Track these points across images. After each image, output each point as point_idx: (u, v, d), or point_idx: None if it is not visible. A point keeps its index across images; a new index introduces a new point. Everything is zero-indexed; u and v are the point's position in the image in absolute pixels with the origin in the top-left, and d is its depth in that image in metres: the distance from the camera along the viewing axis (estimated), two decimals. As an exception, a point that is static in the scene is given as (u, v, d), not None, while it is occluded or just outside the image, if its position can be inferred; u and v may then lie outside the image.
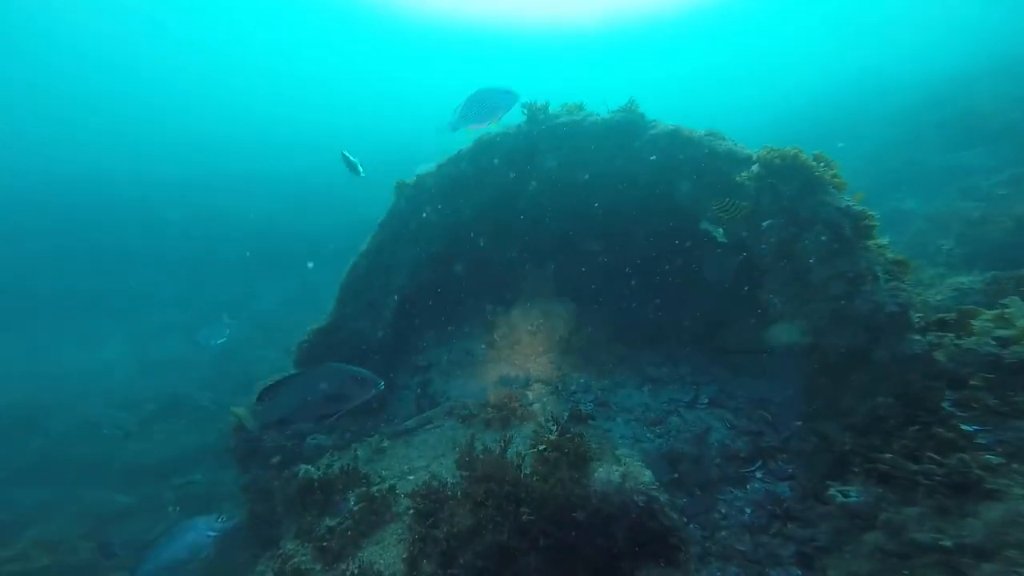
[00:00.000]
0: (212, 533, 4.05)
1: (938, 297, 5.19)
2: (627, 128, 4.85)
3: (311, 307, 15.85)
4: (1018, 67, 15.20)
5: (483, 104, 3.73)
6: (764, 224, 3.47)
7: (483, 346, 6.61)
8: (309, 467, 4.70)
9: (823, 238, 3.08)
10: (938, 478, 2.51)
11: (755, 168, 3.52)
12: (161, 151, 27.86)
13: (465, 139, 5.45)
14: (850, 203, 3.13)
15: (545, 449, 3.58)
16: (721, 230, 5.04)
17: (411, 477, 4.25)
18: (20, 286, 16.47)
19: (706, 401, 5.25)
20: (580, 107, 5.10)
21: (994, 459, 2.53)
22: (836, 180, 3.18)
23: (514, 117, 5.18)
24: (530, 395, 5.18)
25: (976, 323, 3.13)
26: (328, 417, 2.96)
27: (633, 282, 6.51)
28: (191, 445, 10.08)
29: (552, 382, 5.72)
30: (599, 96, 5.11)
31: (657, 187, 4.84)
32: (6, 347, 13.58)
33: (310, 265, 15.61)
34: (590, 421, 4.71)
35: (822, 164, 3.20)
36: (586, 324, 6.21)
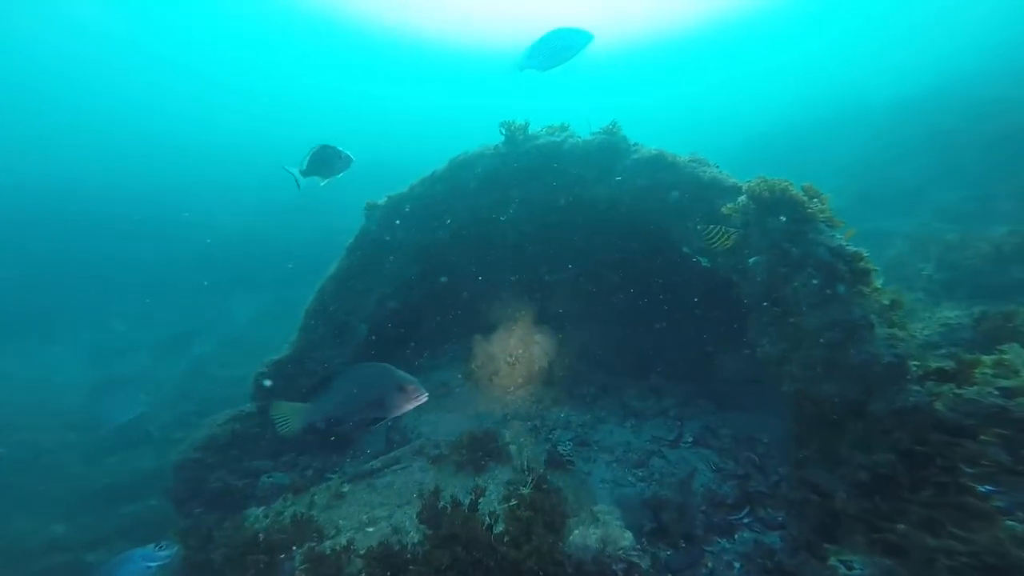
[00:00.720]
0: (152, 564, 3.76)
1: (925, 332, 5.05)
2: (609, 151, 4.63)
3: (284, 323, 15.27)
4: (988, 79, 15.73)
5: (554, 45, 3.66)
6: (751, 260, 3.25)
7: (459, 377, 6.25)
8: (258, 512, 4.24)
9: (815, 282, 2.86)
10: (964, 559, 2.25)
11: (742, 200, 3.31)
12: (129, 162, 26.98)
13: (441, 156, 5.15)
14: (843, 243, 2.92)
15: (518, 507, 3.24)
16: (704, 258, 4.84)
17: (370, 529, 3.84)
18: None
19: (690, 439, 4.98)
20: (563, 128, 4.85)
21: (1018, 527, 2.29)
22: (828, 216, 2.98)
23: (492, 137, 4.92)
24: (507, 434, 4.83)
25: (977, 372, 2.93)
26: (373, 423, 2.74)
27: (617, 309, 6.25)
28: (148, 469, 9.39)
29: (531, 417, 5.39)
30: (581, 118, 4.90)
31: (639, 213, 4.62)
32: None
33: (290, 266, 14.98)
34: (569, 466, 4.38)
35: (813, 199, 3.00)
36: (568, 353, 5.91)
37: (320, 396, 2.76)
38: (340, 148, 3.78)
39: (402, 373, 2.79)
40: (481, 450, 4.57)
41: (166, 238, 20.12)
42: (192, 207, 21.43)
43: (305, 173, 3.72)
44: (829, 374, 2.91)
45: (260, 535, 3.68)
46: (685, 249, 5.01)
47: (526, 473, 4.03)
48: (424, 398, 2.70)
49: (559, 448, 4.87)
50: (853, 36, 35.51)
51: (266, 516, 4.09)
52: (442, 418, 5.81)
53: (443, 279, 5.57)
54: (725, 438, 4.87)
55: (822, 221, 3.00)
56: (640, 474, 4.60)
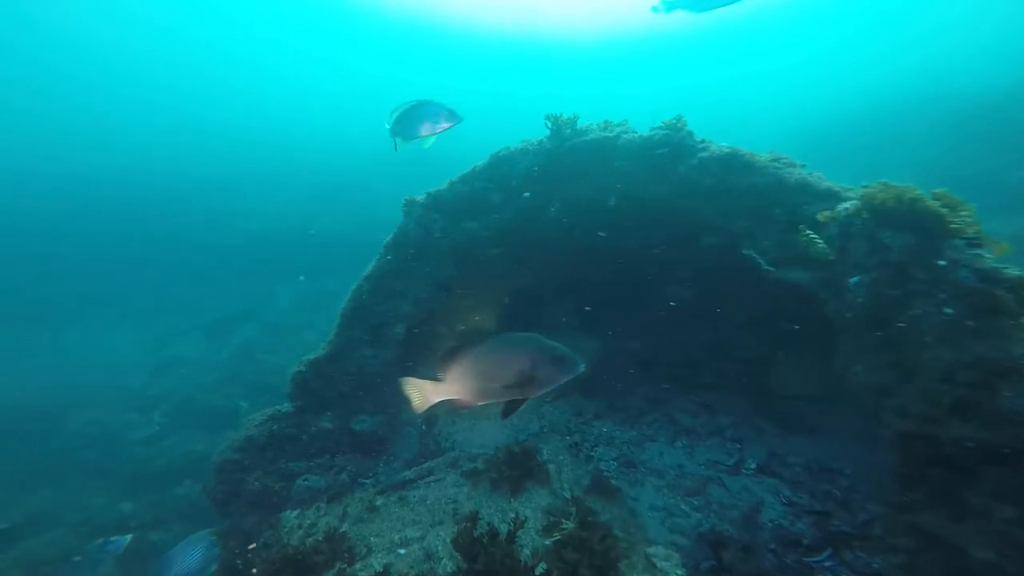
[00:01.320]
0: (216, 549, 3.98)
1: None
2: (671, 147, 4.08)
3: (322, 311, 15.64)
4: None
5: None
6: (852, 281, 2.69)
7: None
8: (292, 521, 4.16)
9: (949, 311, 2.29)
10: None
11: (847, 207, 2.74)
12: (179, 151, 28.32)
13: (481, 153, 4.79)
14: (996, 265, 2.31)
15: (564, 546, 2.90)
16: (771, 266, 4.24)
17: (402, 551, 3.64)
18: (38, 285, 16.79)
19: (753, 466, 4.45)
20: (615, 123, 4.34)
21: None
22: (976, 231, 2.35)
23: (537, 131, 4.49)
24: (544, 450, 4.49)
25: None
26: (515, 405, 2.45)
27: (668, 316, 5.73)
28: (201, 452, 9.83)
29: (570, 431, 5.03)
30: (612, 110, 4.37)
31: (703, 215, 4.07)
32: (24, 345, 13.80)
33: (301, 278, 15.32)
34: (615, 493, 4.00)
35: (955, 211, 2.39)
36: (611, 364, 5.48)
37: (454, 371, 2.47)
38: (441, 104, 3.41)
39: (553, 342, 2.44)
40: (518, 468, 4.27)
41: (214, 226, 21.08)
42: (238, 196, 22.33)
43: (396, 133, 3.40)
44: (964, 416, 2.35)
45: (293, 551, 3.56)
46: (749, 253, 4.43)
47: (568, 502, 3.69)
48: (581, 368, 2.34)
49: (602, 468, 4.50)
50: (913, 20, 31.62)
51: (300, 527, 3.99)
52: (476, 426, 5.57)
53: (480, 280, 5.26)
54: (796, 467, 4.31)
55: (963, 238, 2.39)
56: (696, 503, 4.16)
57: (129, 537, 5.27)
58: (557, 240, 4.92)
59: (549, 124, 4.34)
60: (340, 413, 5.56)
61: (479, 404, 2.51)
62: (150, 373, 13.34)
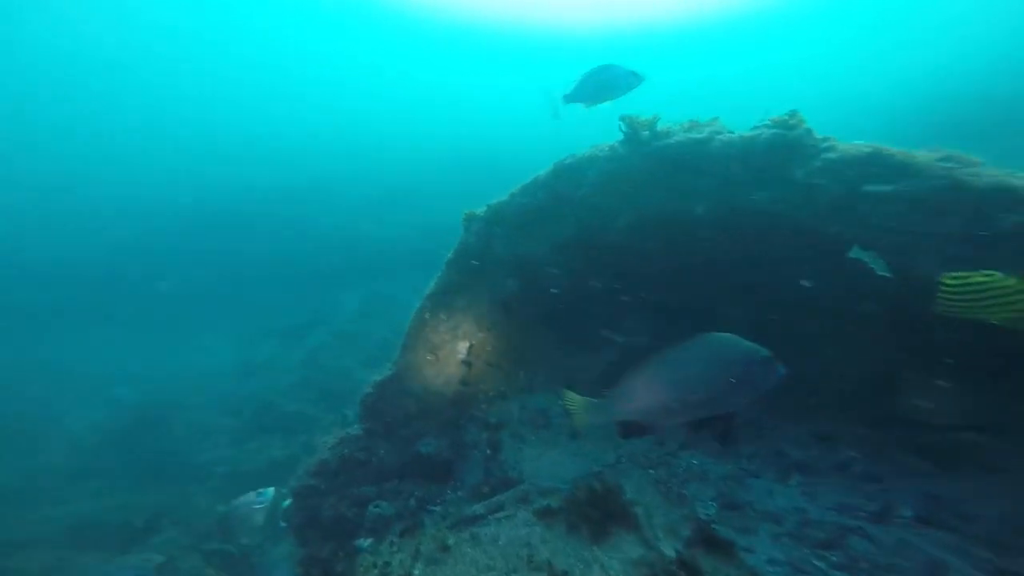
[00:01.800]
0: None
1: None
2: (783, 150, 3.34)
3: (384, 318, 16.03)
4: None
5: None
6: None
7: (559, 404, 5.55)
8: (368, 557, 4.03)
9: None
10: None
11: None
12: (260, 162, 30.32)
13: (546, 156, 4.33)
14: None
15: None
16: (882, 261, 3.38)
17: (480, 604, 3.34)
18: (139, 288, 18.57)
19: (910, 513, 3.62)
20: (703, 122, 3.65)
21: None
22: None
23: (609, 135, 3.94)
24: (627, 488, 4.00)
25: None
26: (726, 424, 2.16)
27: (767, 333, 4.94)
28: (279, 458, 10.36)
29: (653, 463, 4.48)
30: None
31: (826, 228, 3.30)
32: (129, 347, 15.39)
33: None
34: (728, 548, 3.42)
35: None
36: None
37: (635, 383, 2.09)
38: (624, 66, 3.22)
39: (748, 342, 2.07)
40: (599, 508, 3.82)
41: (288, 232, 22.40)
42: (308, 203, 23.56)
43: (572, 99, 3.28)
44: None
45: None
46: (853, 251, 3.58)
47: (665, 557, 3.19)
48: (781, 373, 1.97)
49: (698, 509, 3.92)
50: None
51: (375, 566, 3.84)
52: (543, 454, 5.18)
53: (543, 297, 4.83)
54: (983, 519, 3.41)
55: None
56: (834, 559, 3.43)
57: (272, 490, 5.70)
58: (629, 254, 4.35)
59: (623, 127, 3.76)
60: (406, 435, 5.44)
61: (669, 424, 2.07)
62: (235, 376, 14.42)
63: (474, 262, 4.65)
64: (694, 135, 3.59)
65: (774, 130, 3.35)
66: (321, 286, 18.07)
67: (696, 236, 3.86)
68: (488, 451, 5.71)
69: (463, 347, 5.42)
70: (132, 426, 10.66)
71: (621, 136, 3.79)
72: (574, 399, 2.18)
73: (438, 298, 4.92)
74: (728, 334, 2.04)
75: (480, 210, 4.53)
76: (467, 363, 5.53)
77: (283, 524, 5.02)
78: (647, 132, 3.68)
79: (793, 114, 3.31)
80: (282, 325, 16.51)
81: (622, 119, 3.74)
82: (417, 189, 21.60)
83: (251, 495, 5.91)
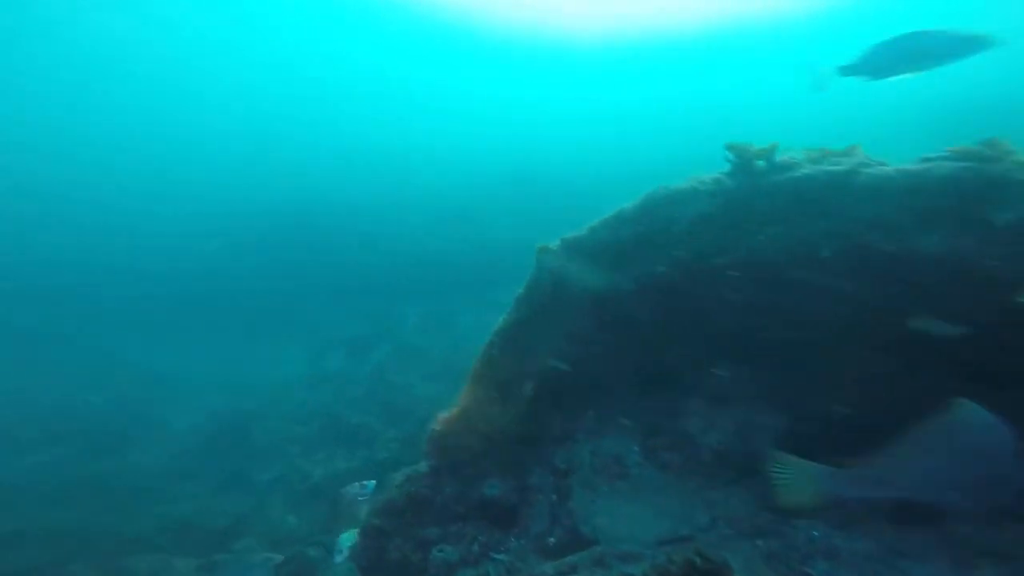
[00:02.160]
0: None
1: None
2: (978, 188, 2.67)
3: (444, 334, 16.23)
4: None
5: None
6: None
7: (636, 450, 5.07)
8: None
9: None
10: None
11: None
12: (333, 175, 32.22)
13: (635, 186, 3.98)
14: None
15: None
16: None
17: None
18: (219, 297, 20.19)
19: None
20: (837, 151, 3.10)
21: None
22: None
23: (712, 164, 3.52)
24: (734, 563, 3.46)
25: None
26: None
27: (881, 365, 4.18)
28: (343, 470, 10.66)
29: (760, 531, 3.89)
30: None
31: None
32: (216, 354, 16.78)
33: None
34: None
35: None
36: (807, 439, 4.17)
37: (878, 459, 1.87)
38: (947, 30, 2.82)
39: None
40: (693, 586, 3.32)
41: (351, 247, 23.55)
42: (377, 216, 24.68)
43: (854, 72, 2.94)
44: None
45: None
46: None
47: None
48: None
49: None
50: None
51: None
52: (619, 509, 4.72)
53: (625, 339, 4.43)
54: None
55: None
56: None
57: (374, 482, 5.85)
58: (729, 300, 3.83)
59: (730, 156, 3.32)
60: (471, 475, 5.26)
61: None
62: (307, 386, 15.23)
63: (544, 303, 4.38)
64: (830, 167, 3.05)
65: (961, 163, 2.73)
66: (385, 300, 18.75)
67: (818, 284, 3.27)
68: (554, 497, 5.39)
69: (530, 386, 5.16)
70: (220, 431, 11.51)
71: (728, 166, 3.34)
72: (797, 465, 1.72)
73: (507, 334, 4.71)
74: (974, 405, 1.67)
75: (554, 244, 4.26)
76: (534, 402, 5.26)
77: (340, 560, 5.02)
78: (764, 161, 3.20)
79: (993, 142, 2.68)
80: (349, 337, 17.26)
81: (729, 147, 3.29)
82: (476, 206, 21.91)
83: (355, 486, 6.31)
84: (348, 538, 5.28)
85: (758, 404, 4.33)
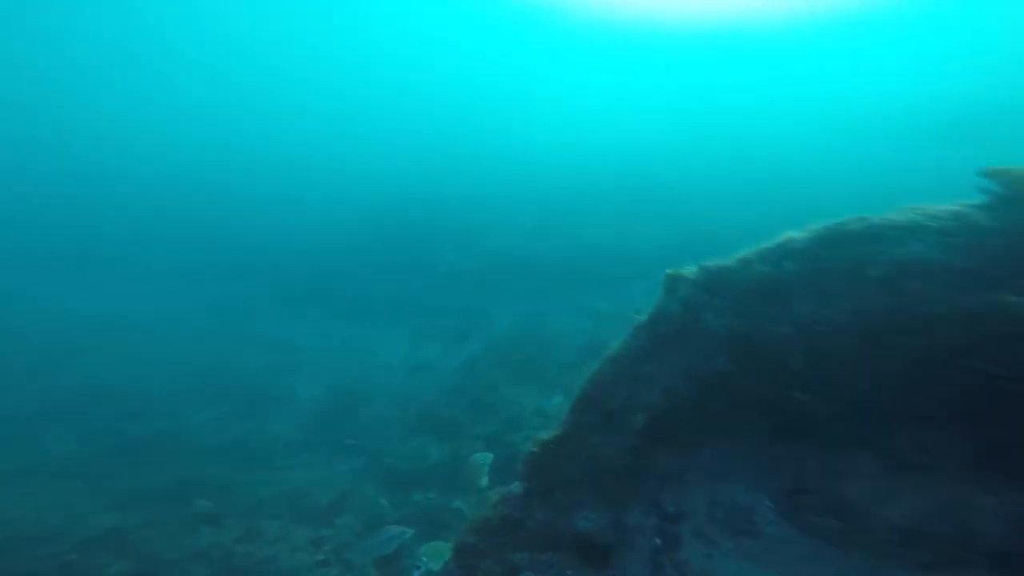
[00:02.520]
0: None
1: None
2: None
3: (536, 335, 16.10)
4: None
5: None
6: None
7: (769, 505, 4.30)
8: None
9: None
10: None
11: None
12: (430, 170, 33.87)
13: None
14: None
15: None
16: None
17: None
18: (336, 282, 22.04)
19: None
20: None
21: None
22: None
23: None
24: None
25: None
26: None
27: None
28: (435, 460, 11.08)
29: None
30: None
31: None
32: (330, 337, 18.51)
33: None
34: None
35: None
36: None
37: None
38: None
39: None
40: None
41: (453, 242, 24.54)
42: (472, 217, 25.51)
43: None
44: None
45: None
46: None
47: None
48: None
49: None
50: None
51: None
52: (748, 572, 4.04)
53: (766, 384, 3.74)
54: None
55: None
56: None
57: (492, 456, 6.58)
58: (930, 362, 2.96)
59: (993, 184, 2.49)
60: (565, 503, 4.96)
61: None
62: (406, 372, 16.24)
63: (670, 333, 3.88)
64: None
65: None
66: (481, 296, 19.26)
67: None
68: (658, 541, 4.86)
69: (641, 417, 4.69)
70: (332, 406, 12.75)
71: (984, 196, 2.53)
72: None
73: (621, 363, 4.30)
74: None
75: (689, 271, 3.74)
76: (642, 434, 4.78)
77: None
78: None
79: None
80: (445, 329, 18.03)
81: (987, 174, 2.49)
82: (575, 208, 21.44)
83: (478, 456, 6.97)
84: (429, 551, 5.35)
85: (960, 476, 3.35)
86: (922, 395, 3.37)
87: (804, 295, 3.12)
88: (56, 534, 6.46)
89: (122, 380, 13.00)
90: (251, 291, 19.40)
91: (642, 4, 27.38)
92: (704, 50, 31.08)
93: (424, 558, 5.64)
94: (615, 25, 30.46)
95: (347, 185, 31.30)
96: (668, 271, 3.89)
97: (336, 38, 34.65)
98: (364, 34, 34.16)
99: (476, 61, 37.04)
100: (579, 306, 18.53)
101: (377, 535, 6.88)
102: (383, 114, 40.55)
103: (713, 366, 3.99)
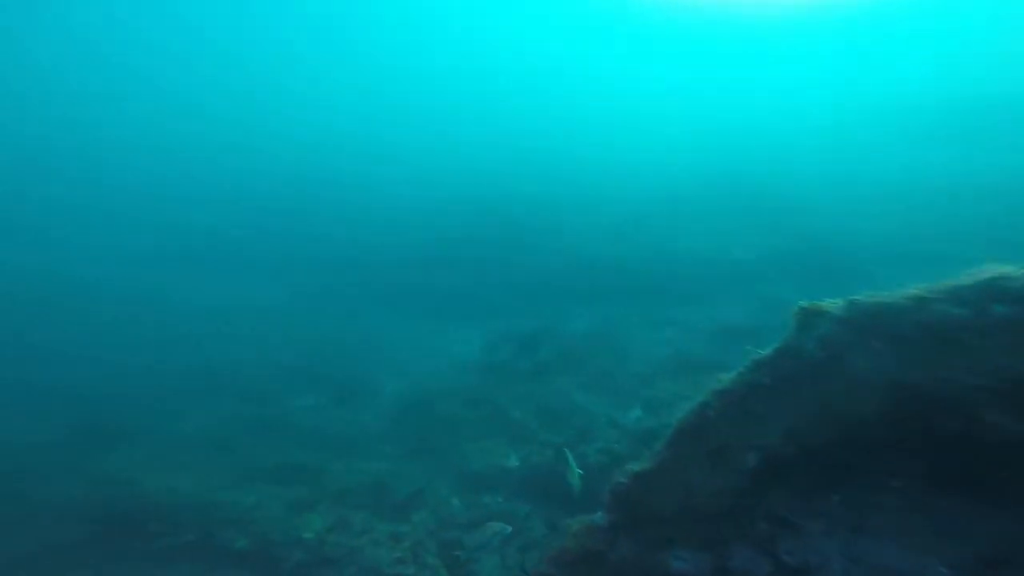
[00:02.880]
0: None
1: None
2: None
3: (610, 343, 15.49)
4: None
5: None
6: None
7: (944, 572, 3.56)
8: None
9: None
10: None
11: None
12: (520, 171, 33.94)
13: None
14: None
15: None
16: None
17: None
18: (422, 284, 23.00)
19: None
20: None
21: None
22: None
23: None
24: None
25: None
26: None
27: None
28: (503, 462, 11.06)
29: None
30: None
31: None
32: (413, 332, 19.33)
33: None
34: None
35: None
36: None
37: None
38: None
39: None
40: None
41: (528, 244, 24.47)
42: (550, 218, 25.25)
43: None
44: None
45: None
46: None
47: None
48: None
49: None
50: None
51: None
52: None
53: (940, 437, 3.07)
54: None
55: None
56: None
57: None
58: None
59: None
60: (655, 539, 4.57)
61: None
62: (478, 373, 16.47)
63: (799, 372, 3.36)
64: None
65: None
66: (555, 299, 18.99)
67: None
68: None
69: (755, 457, 4.18)
70: (413, 401, 13.33)
71: None
72: None
73: (734, 398, 3.84)
74: None
75: (832, 305, 3.19)
76: (755, 476, 4.25)
77: None
78: None
79: None
80: (519, 332, 18.03)
81: None
82: (659, 212, 20.29)
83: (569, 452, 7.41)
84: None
85: None
86: None
87: (1017, 349, 2.46)
88: (188, 506, 7.50)
89: (233, 366, 14.75)
90: (348, 285, 21.02)
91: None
92: (810, 38, 27.88)
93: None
94: (705, 17, 28.44)
95: (437, 184, 32.48)
96: (802, 304, 3.35)
97: (438, 46, 36.36)
98: (457, 38, 35.50)
99: (560, 61, 36.79)
100: (660, 316, 17.53)
101: (480, 531, 7.11)
102: (469, 115, 41.76)
103: (857, 412, 3.39)
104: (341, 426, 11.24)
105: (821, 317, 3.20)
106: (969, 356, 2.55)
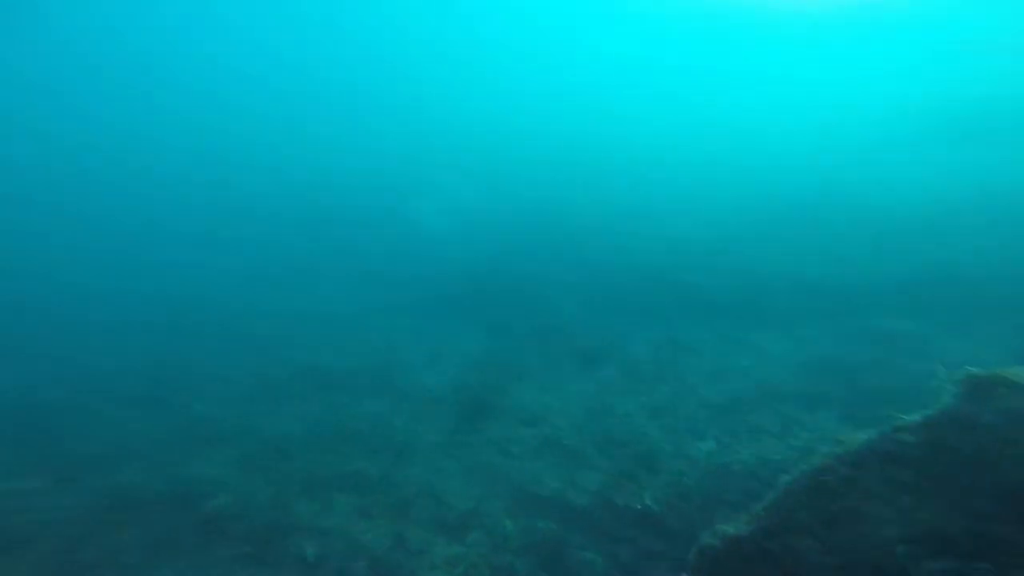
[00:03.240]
0: None
1: None
2: None
3: (677, 369, 14.53)
4: None
5: None
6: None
7: None
8: None
9: None
10: None
11: None
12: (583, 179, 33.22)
13: None
14: None
15: None
16: None
17: None
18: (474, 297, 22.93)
19: None
20: None
21: None
22: None
23: None
24: None
25: None
26: None
27: None
28: (556, 486, 10.67)
29: None
30: None
31: None
32: (472, 346, 19.34)
33: None
34: None
35: None
36: None
37: None
38: None
39: None
40: None
41: (597, 257, 23.64)
42: (620, 231, 24.26)
43: None
44: None
45: None
46: None
47: None
48: None
49: None
50: None
51: None
52: None
53: None
54: None
55: None
56: None
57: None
58: None
59: None
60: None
61: None
62: (534, 391, 16.12)
63: (958, 442, 2.73)
64: None
65: None
66: (621, 318, 18.26)
67: None
68: None
69: (893, 530, 3.54)
70: (468, 415, 13.41)
71: None
72: None
73: (870, 461, 3.24)
74: None
75: (1018, 375, 2.56)
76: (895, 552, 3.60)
77: None
78: None
79: None
80: (582, 348, 17.49)
81: None
82: (739, 229, 18.89)
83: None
84: None
85: None
86: None
87: None
88: (261, 508, 8.00)
89: (316, 369, 15.77)
90: (415, 298, 21.65)
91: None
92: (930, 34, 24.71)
93: None
94: (812, 13, 26.22)
95: (507, 195, 32.52)
96: (974, 370, 2.74)
97: (527, 51, 36.72)
98: (549, 41, 35.54)
99: (651, 64, 35.76)
100: (734, 339, 16.30)
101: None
102: (553, 117, 41.53)
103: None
104: (402, 435, 11.51)
105: (1005, 387, 2.58)
106: None
